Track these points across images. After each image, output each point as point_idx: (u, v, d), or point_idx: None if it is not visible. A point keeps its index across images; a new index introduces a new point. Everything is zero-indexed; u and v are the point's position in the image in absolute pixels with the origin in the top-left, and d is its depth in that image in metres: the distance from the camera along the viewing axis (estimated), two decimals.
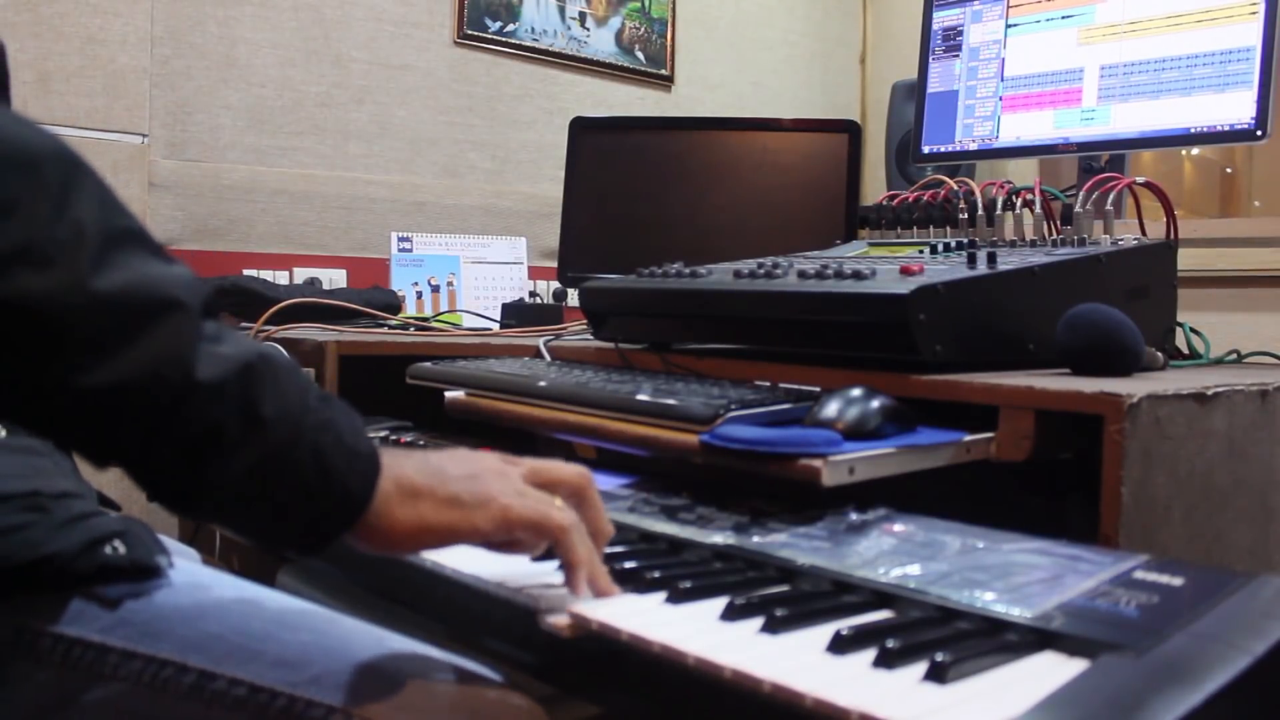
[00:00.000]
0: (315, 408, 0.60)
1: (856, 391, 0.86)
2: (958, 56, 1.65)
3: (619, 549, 0.79)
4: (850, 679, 0.54)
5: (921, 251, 1.25)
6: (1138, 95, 1.44)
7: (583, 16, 2.56)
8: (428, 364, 1.20)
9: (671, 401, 0.88)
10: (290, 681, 0.67)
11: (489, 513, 0.65)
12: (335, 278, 2.13)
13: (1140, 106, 1.44)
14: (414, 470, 0.64)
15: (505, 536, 0.66)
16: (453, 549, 0.81)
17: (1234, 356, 1.28)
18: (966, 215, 1.34)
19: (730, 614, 0.64)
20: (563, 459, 0.76)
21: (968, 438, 0.85)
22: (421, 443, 1.10)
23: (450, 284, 2.07)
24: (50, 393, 0.53)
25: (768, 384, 0.98)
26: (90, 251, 0.53)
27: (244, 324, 1.55)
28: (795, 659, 0.57)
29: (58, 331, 0.52)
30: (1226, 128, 1.36)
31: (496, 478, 0.67)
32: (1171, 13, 1.42)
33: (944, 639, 0.58)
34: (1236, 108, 1.35)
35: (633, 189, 1.83)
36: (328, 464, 0.60)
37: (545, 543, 0.68)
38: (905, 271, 1.00)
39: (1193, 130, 1.39)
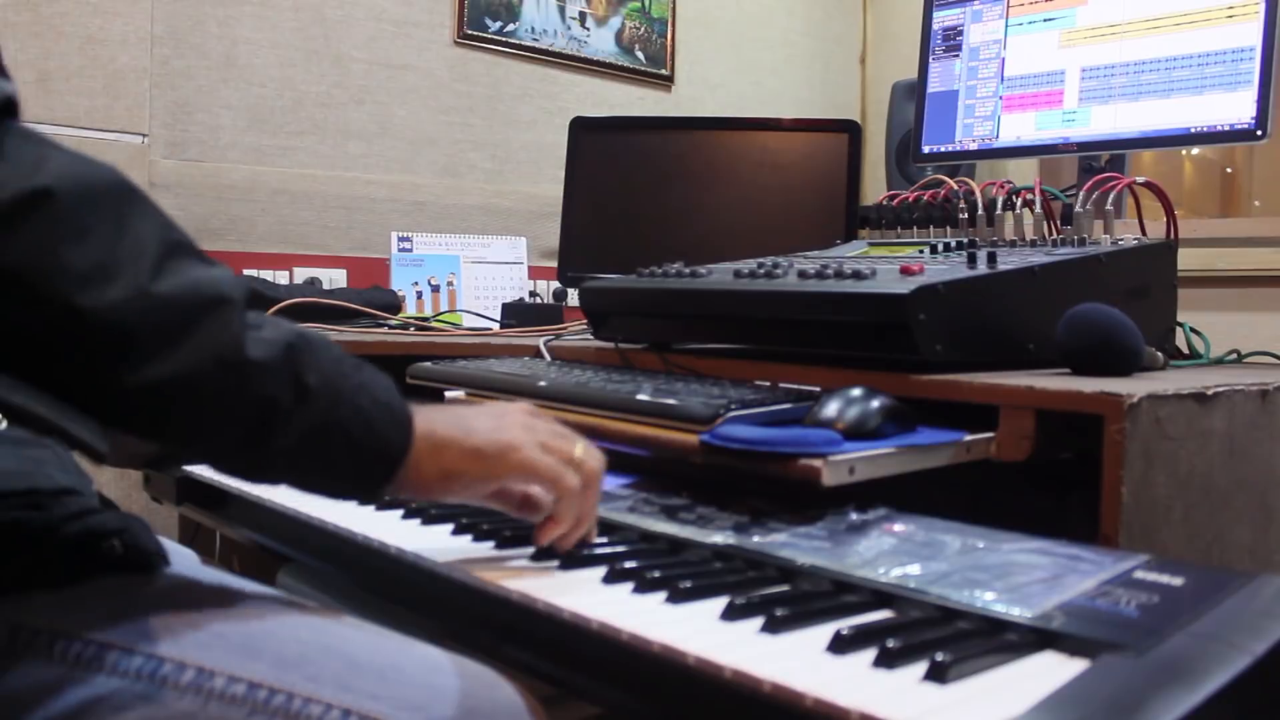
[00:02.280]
0: (350, 374, 0.69)
1: (856, 391, 0.86)
2: (958, 56, 1.65)
3: (619, 549, 0.79)
4: (850, 679, 0.54)
5: (921, 251, 1.25)
6: (1118, 97, 1.45)
7: (583, 16, 2.56)
8: (428, 364, 1.20)
9: (671, 401, 0.88)
10: (289, 679, 0.67)
11: (509, 462, 0.73)
12: (335, 278, 2.13)
13: (1122, 108, 1.44)
14: (441, 425, 0.72)
15: (523, 484, 0.76)
16: (453, 547, 0.82)
17: (1234, 356, 1.27)
18: (966, 215, 1.34)
19: (730, 614, 0.64)
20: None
21: (968, 438, 0.85)
22: None
23: (450, 284, 2.07)
24: (126, 388, 0.60)
25: (768, 384, 0.98)
26: (151, 261, 0.61)
27: None
28: (795, 659, 0.57)
29: (128, 332, 0.60)
30: (1227, 128, 1.36)
31: (521, 430, 0.75)
32: (1150, 16, 1.43)
33: (944, 639, 0.58)
34: (1236, 108, 1.35)
35: (633, 189, 1.83)
36: (369, 421, 0.68)
37: (551, 502, 0.76)
38: (905, 271, 1.00)
39: (1193, 130, 1.39)
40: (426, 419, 0.72)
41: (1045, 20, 1.55)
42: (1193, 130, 1.39)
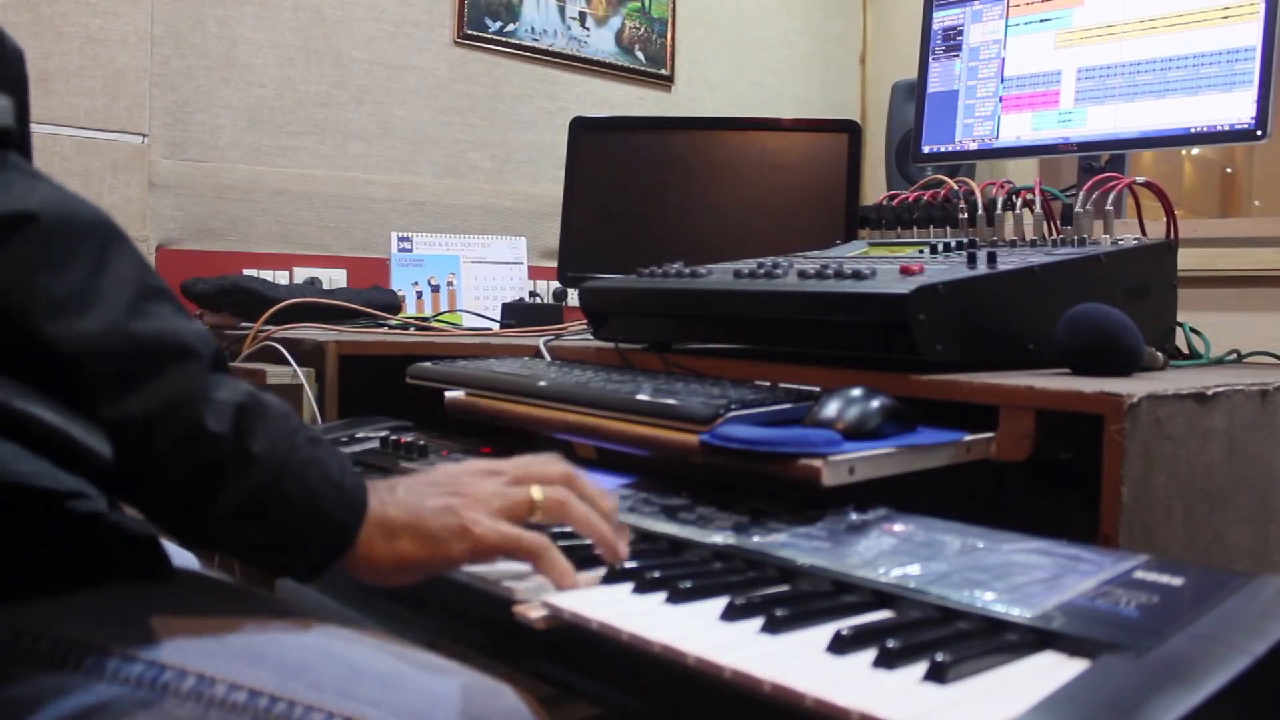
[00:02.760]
0: (302, 446, 0.67)
1: (856, 391, 0.86)
2: (958, 56, 1.65)
3: None
4: (850, 679, 0.54)
5: (921, 251, 1.25)
6: (1115, 98, 1.45)
7: (583, 16, 2.56)
8: (428, 364, 1.20)
9: (671, 401, 0.88)
10: (290, 686, 0.67)
11: (464, 545, 0.70)
12: (335, 278, 2.13)
13: (1119, 109, 1.45)
14: (394, 507, 0.70)
15: (483, 562, 0.72)
16: None
17: (1234, 356, 1.27)
18: (966, 215, 1.34)
19: (730, 614, 0.64)
20: (563, 458, 0.76)
21: (968, 438, 0.85)
22: (422, 443, 1.10)
23: (450, 284, 2.07)
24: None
25: (768, 384, 0.98)
26: (129, 300, 0.62)
27: (244, 324, 1.54)
28: (795, 659, 0.57)
29: (94, 365, 0.60)
30: (1227, 128, 1.36)
31: (475, 505, 0.71)
32: (1146, 16, 1.43)
33: (944, 639, 0.58)
34: (1236, 107, 1.35)
35: (633, 189, 1.83)
36: (314, 497, 0.66)
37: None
38: (905, 271, 1.00)
39: (1193, 130, 1.39)
40: (381, 503, 0.69)
41: (1042, 21, 1.55)
42: (1192, 130, 1.39)
